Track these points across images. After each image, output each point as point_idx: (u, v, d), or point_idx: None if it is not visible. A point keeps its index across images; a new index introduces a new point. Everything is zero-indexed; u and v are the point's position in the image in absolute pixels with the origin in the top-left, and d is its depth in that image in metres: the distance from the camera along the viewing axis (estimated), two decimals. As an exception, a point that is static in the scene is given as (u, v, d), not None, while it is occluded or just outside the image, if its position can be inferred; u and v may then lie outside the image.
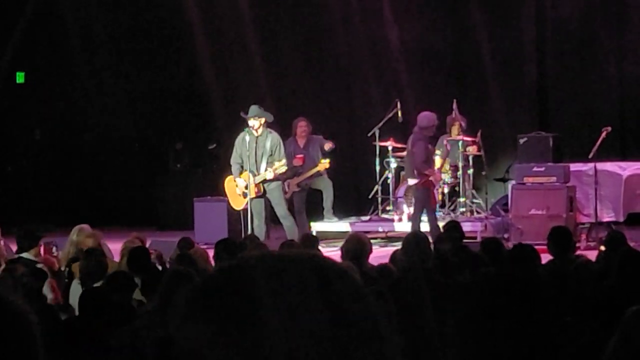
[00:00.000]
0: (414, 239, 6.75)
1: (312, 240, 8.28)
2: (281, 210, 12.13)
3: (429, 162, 12.24)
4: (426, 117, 12.17)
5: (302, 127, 13.32)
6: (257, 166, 12.03)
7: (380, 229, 13.43)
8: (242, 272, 1.28)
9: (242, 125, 12.19)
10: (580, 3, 15.57)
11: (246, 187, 12.00)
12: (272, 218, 12.39)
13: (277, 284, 1.26)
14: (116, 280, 6.16)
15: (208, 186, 14.61)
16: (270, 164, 11.94)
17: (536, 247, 7.25)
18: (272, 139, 12.02)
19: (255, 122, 11.96)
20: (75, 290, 6.99)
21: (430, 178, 12.13)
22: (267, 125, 12.12)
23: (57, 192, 16.90)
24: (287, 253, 1.32)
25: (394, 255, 7.64)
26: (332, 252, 10.11)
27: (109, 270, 6.96)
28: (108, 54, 17.17)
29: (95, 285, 6.50)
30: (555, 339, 2.24)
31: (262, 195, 12.08)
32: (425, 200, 12.16)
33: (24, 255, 7.94)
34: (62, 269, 8.01)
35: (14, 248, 8.79)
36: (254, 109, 12.03)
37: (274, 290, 1.26)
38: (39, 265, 7.52)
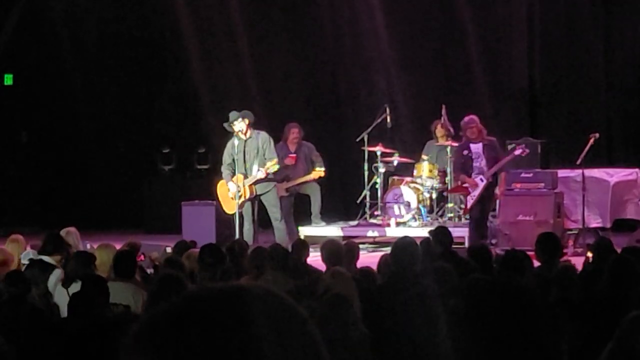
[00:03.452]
0: (402, 243, 6.74)
1: (303, 246, 8.29)
2: (276, 213, 12.10)
3: (465, 168, 11.95)
4: (466, 118, 11.98)
5: (294, 133, 13.31)
6: (247, 168, 12.00)
7: (368, 234, 13.42)
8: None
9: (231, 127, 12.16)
10: (569, 11, 15.62)
11: (239, 190, 11.96)
12: (260, 222, 12.37)
13: (269, 319, 1.27)
14: (90, 284, 6.12)
15: (196, 189, 14.58)
16: (261, 164, 11.90)
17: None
18: (262, 138, 12.00)
19: (242, 126, 11.94)
20: (60, 291, 6.96)
21: (465, 185, 11.89)
22: (254, 126, 12.11)
23: (43, 195, 16.84)
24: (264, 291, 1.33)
25: (381, 260, 7.65)
26: (319, 257, 10.09)
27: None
28: (97, 56, 17.13)
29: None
30: (544, 343, 2.23)
31: (254, 197, 12.05)
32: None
33: (45, 258, 7.84)
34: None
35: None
36: (233, 113, 12.02)
37: (268, 325, 1.26)
38: (57, 271, 7.45)
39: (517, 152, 12.36)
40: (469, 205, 12.00)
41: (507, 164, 12.33)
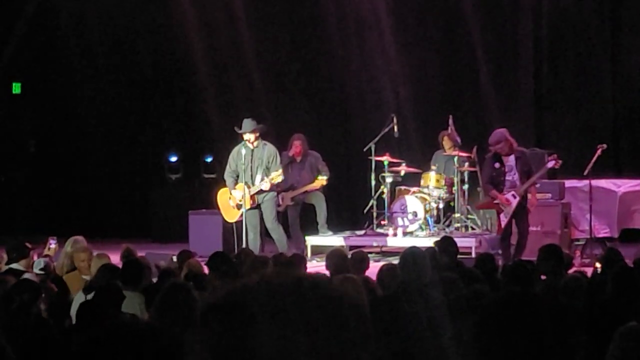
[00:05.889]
0: (411, 254, 6.73)
1: (300, 260, 8.32)
2: (269, 222, 12.10)
3: (496, 182, 11.25)
4: (493, 134, 11.36)
5: (297, 146, 13.33)
6: (252, 178, 12.02)
7: (374, 244, 13.41)
8: (244, 297, 1.33)
9: (238, 137, 12.18)
10: (576, 20, 15.63)
11: (241, 199, 11.98)
12: (266, 232, 12.37)
13: (277, 308, 1.31)
14: (103, 292, 6.13)
15: (203, 199, 14.59)
16: (266, 175, 11.93)
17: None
18: (268, 151, 12.02)
19: (251, 136, 11.97)
20: (80, 299, 6.96)
21: (496, 201, 11.26)
22: (262, 136, 12.13)
23: (51, 204, 16.87)
24: (288, 279, 1.38)
25: (382, 271, 7.65)
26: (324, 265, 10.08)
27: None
28: (105, 65, 17.18)
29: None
30: (551, 355, 2.24)
31: (257, 206, 12.06)
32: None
33: (14, 266, 7.90)
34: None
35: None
36: (247, 123, 12.02)
37: (273, 314, 1.30)
38: (28, 275, 7.48)
39: (550, 164, 11.72)
40: (502, 225, 11.28)
41: (540, 177, 11.76)
